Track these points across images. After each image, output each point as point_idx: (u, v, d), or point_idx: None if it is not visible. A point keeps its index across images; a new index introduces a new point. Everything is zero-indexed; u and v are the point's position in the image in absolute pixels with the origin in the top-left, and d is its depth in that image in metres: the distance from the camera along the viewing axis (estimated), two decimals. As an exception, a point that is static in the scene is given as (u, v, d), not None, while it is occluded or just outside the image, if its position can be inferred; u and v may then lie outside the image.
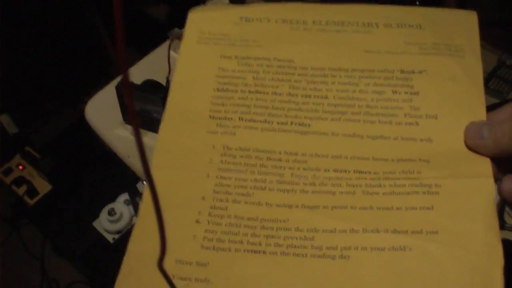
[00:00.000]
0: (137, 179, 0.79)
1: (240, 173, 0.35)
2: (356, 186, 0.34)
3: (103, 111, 0.76)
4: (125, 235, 0.82)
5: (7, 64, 1.27)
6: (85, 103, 0.77)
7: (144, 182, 0.80)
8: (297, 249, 0.32)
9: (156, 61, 0.79)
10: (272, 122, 0.36)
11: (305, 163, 0.35)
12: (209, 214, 0.34)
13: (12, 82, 1.30)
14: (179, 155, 0.36)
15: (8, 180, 1.32)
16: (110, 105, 0.74)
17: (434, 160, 0.34)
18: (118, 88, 0.70)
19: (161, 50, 0.81)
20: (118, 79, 0.73)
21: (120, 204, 0.80)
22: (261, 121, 0.36)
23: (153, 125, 0.67)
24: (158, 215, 0.19)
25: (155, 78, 0.73)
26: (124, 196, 0.81)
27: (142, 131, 0.72)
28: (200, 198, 0.34)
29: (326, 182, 0.34)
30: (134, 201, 0.79)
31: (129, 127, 0.73)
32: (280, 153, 0.35)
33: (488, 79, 0.76)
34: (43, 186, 1.31)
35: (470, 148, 0.34)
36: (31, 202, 1.30)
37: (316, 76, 0.37)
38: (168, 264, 0.32)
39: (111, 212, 0.80)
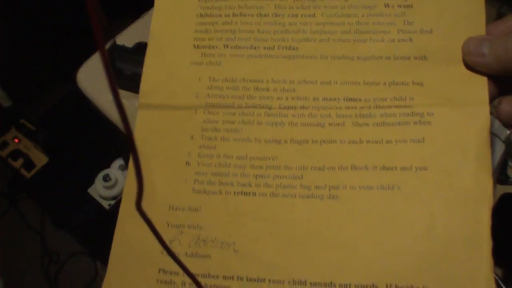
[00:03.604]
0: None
1: (228, 107, 0.33)
2: (346, 116, 0.32)
3: (95, 77, 0.74)
4: (120, 201, 0.82)
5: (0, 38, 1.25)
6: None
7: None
8: (286, 190, 0.32)
9: (148, 24, 0.77)
10: (258, 48, 0.34)
11: (293, 92, 0.33)
12: (199, 155, 0.33)
13: (5, 55, 1.28)
14: (164, 92, 0.34)
15: (4, 153, 1.30)
16: (101, 70, 0.72)
17: (428, 82, 0.32)
18: (109, 52, 0.68)
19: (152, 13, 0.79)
20: (108, 43, 0.72)
21: (115, 169, 0.80)
22: (247, 47, 0.34)
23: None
24: (133, 154, 0.18)
25: (147, 41, 0.72)
26: (119, 162, 0.80)
27: (134, 94, 0.71)
28: (189, 137, 0.33)
29: (315, 113, 0.33)
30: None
31: (121, 92, 0.71)
32: (267, 81, 0.33)
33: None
34: (39, 159, 1.30)
35: (468, 66, 0.31)
36: (28, 175, 1.29)
37: None
38: (161, 211, 0.32)
39: (106, 178, 0.79)
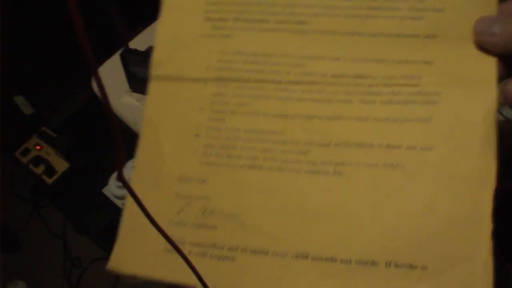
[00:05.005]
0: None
1: (237, 81, 0.33)
2: (354, 93, 0.32)
3: (109, 81, 0.75)
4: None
5: (20, 46, 1.27)
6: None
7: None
8: (292, 164, 0.32)
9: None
10: (268, 21, 0.34)
11: (302, 67, 0.33)
12: (208, 127, 0.33)
13: (26, 64, 1.30)
14: (175, 64, 0.34)
15: (26, 160, 1.33)
16: (116, 74, 0.73)
17: (437, 61, 0.32)
18: (122, 56, 0.70)
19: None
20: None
21: (128, 169, 0.80)
22: (257, 21, 0.34)
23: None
24: (112, 122, 0.18)
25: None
26: (133, 162, 0.80)
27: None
28: (198, 109, 0.34)
29: (323, 89, 0.32)
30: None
31: (135, 95, 0.72)
32: (277, 56, 0.33)
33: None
34: (60, 165, 1.32)
35: (478, 45, 0.31)
36: (50, 181, 1.31)
37: None
38: (170, 182, 0.33)
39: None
